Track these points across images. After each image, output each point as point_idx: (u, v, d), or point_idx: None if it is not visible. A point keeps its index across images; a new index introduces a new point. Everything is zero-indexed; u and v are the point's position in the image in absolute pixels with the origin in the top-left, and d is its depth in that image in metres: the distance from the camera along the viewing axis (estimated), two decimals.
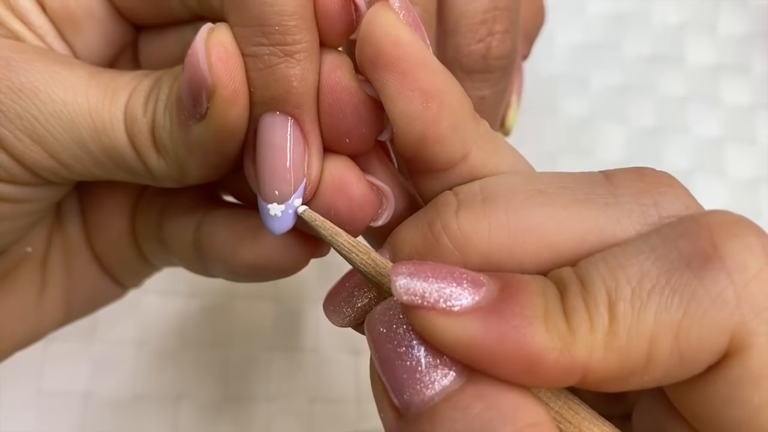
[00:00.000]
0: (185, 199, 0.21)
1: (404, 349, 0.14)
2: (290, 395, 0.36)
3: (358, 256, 0.16)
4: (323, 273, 0.37)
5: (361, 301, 0.17)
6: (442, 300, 0.13)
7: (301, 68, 0.16)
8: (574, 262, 0.14)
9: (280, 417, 0.35)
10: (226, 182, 0.21)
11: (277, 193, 0.16)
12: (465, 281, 0.14)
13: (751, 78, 0.45)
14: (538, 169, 0.17)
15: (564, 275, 0.14)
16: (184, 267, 0.22)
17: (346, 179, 0.17)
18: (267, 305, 0.37)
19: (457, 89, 0.16)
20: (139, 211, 0.22)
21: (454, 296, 0.13)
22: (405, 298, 0.13)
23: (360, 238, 0.17)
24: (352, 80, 0.16)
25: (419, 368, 0.13)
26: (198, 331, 0.36)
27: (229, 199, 0.22)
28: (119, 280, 0.24)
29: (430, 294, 0.13)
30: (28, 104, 0.16)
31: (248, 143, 0.17)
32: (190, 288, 0.37)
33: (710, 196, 0.41)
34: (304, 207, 0.16)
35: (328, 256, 0.20)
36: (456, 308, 0.13)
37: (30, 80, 0.17)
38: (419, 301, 0.13)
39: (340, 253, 0.16)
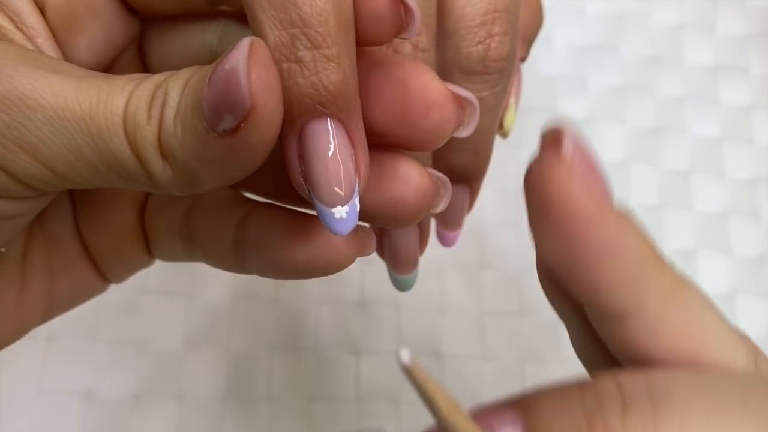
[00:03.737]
0: (220, 197, 0.20)
1: None
2: (290, 395, 0.36)
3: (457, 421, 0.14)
4: None
5: None
6: None
7: (343, 72, 0.16)
8: None
9: (281, 416, 0.35)
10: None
11: (339, 196, 0.16)
12: None
13: (749, 79, 0.45)
14: None
15: None
16: (211, 265, 0.21)
17: (410, 173, 0.17)
18: (267, 305, 0.37)
19: (635, 236, 0.15)
20: (154, 207, 0.22)
21: None
22: None
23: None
24: (439, 84, 0.17)
25: None
26: (198, 331, 0.36)
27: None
28: (106, 276, 0.23)
29: None
30: (16, 112, 0.16)
31: (292, 152, 0.16)
32: (191, 288, 0.37)
33: (709, 197, 0.42)
34: (407, 353, 0.14)
35: None
36: None
37: (15, 86, 0.16)
38: None
39: (436, 417, 0.14)
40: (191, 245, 0.21)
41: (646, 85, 0.44)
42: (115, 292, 0.36)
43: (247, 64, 0.14)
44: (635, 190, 0.42)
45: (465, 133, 0.18)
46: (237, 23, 0.20)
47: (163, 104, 0.16)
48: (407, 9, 0.16)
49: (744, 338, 0.16)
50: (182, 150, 0.16)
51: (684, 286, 0.16)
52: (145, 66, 0.21)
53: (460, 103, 0.18)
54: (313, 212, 0.18)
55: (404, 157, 0.18)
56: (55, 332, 0.35)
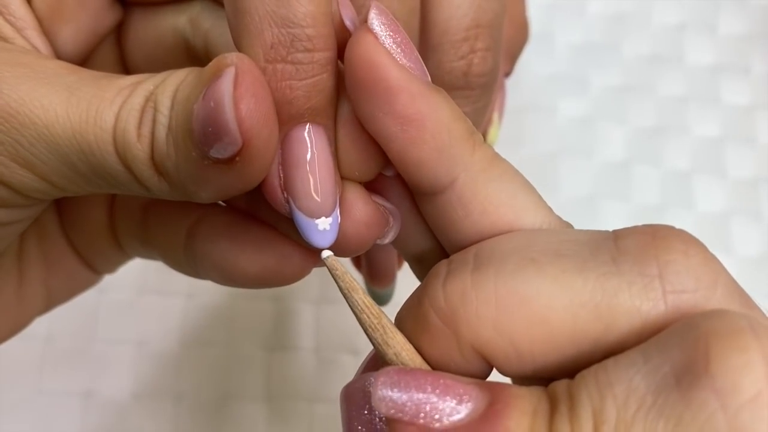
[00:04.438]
0: (172, 201, 0.20)
1: None
2: (290, 395, 0.36)
3: (368, 318, 0.15)
4: (323, 272, 0.37)
5: None
6: (422, 415, 0.13)
7: (336, 78, 0.15)
8: (573, 340, 0.14)
9: (280, 417, 0.35)
10: None
11: (324, 205, 0.16)
12: (449, 394, 0.13)
13: (750, 78, 0.45)
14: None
15: (558, 390, 0.13)
16: (168, 266, 0.21)
17: (352, 203, 0.16)
18: (267, 305, 0.37)
19: (443, 112, 0.15)
20: (117, 207, 0.21)
21: (436, 411, 0.13)
22: (384, 410, 0.13)
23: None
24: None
25: None
26: (198, 331, 0.36)
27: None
28: (96, 268, 0.23)
29: (410, 408, 0.13)
30: (8, 128, 0.15)
31: (273, 162, 0.16)
32: (190, 288, 0.37)
33: (710, 197, 0.41)
34: (329, 253, 0.16)
35: None
36: (436, 425, 0.13)
37: (6, 101, 0.15)
38: (399, 415, 0.13)
39: (353, 311, 0.16)
40: (149, 247, 0.21)
41: (647, 84, 0.44)
42: (113, 292, 0.36)
43: (234, 97, 0.14)
44: (636, 190, 0.42)
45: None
46: (210, 5, 0.20)
47: (154, 121, 0.15)
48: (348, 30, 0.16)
49: (561, 221, 0.16)
50: (177, 171, 0.15)
51: (497, 164, 0.16)
52: (122, 51, 0.21)
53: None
54: (272, 221, 0.18)
55: (348, 185, 0.17)
56: (53, 332, 0.35)
